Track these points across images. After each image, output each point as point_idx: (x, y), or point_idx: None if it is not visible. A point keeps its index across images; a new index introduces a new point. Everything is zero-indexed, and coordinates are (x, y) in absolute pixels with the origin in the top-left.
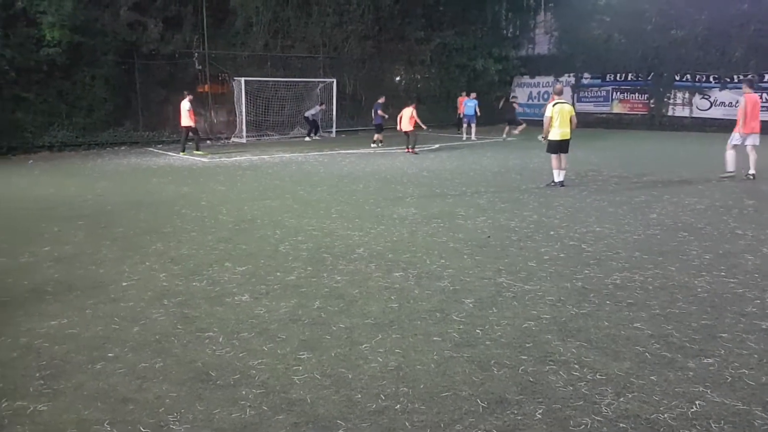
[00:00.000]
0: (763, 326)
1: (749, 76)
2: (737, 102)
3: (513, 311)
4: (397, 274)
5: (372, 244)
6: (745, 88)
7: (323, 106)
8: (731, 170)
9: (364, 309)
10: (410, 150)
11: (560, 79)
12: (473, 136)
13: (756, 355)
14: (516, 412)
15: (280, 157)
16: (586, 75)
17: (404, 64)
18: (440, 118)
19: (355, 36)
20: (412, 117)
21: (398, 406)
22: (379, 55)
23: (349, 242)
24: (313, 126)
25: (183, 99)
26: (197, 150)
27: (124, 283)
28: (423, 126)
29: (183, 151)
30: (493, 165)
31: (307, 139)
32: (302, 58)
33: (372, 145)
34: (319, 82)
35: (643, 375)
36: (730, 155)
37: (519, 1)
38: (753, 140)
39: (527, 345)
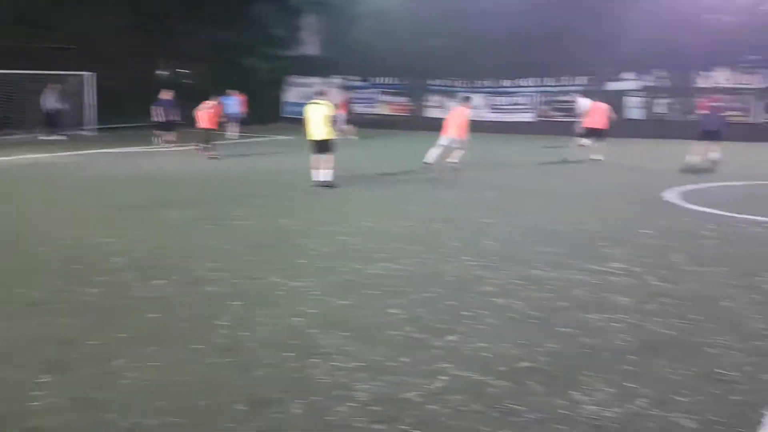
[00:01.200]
0: (498, 303)
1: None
2: (482, 105)
3: (281, 310)
4: (159, 282)
5: (132, 251)
6: (453, 103)
7: (59, 94)
8: (430, 161)
9: (120, 322)
10: (202, 150)
11: (329, 80)
12: (230, 134)
13: (491, 330)
14: (277, 410)
15: (28, 158)
16: (353, 77)
17: (172, 59)
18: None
19: (114, 27)
20: (211, 112)
21: (154, 421)
22: (144, 48)
23: (105, 250)
24: (52, 122)
25: None
26: None
27: None
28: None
29: None
30: (269, 165)
31: (52, 138)
32: (52, 50)
33: (161, 146)
34: (70, 75)
35: (396, 357)
36: (435, 152)
37: (285, 2)
38: (449, 141)
39: (293, 342)
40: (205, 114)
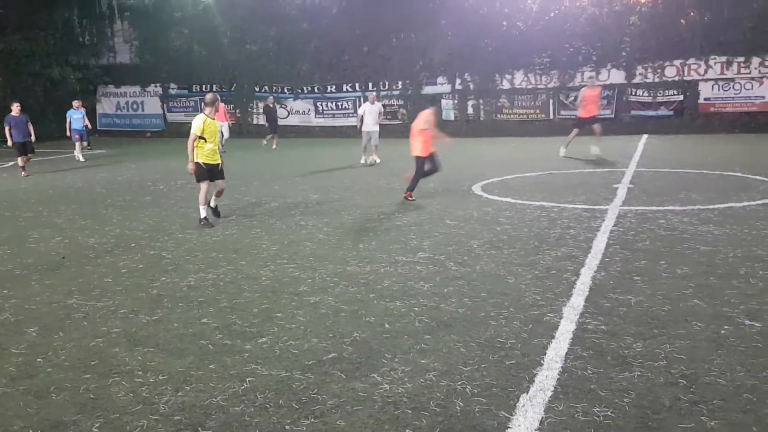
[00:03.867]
0: (311, 301)
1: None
2: (308, 110)
3: (81, 332)
4: None
5: None
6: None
7: None
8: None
9: None
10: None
11: (147, 89)
12: (78, 155)
13: (302, 327)
14: None
15: None
16: (173, 85)
17: None
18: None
19: None
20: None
21: None
22: None
23: None
24: None
25: None
26: None
27: None
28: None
29: None
30: (76, 181)
31: None
32: None
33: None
34: None
35: (203, 366)
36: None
37: (92, 8)
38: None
39: (92, 363)
40: None
